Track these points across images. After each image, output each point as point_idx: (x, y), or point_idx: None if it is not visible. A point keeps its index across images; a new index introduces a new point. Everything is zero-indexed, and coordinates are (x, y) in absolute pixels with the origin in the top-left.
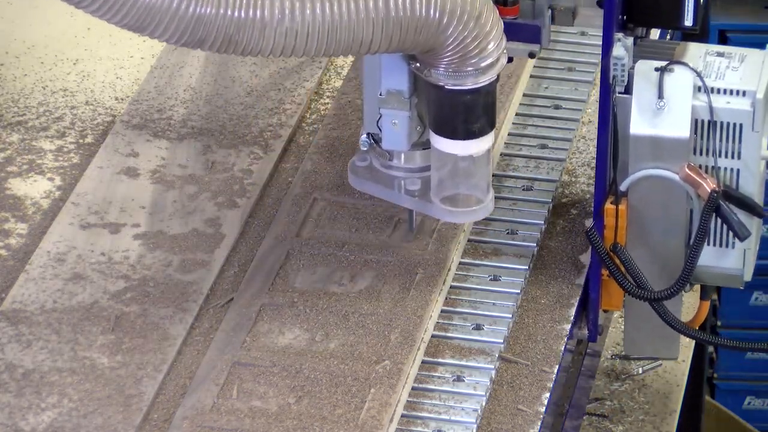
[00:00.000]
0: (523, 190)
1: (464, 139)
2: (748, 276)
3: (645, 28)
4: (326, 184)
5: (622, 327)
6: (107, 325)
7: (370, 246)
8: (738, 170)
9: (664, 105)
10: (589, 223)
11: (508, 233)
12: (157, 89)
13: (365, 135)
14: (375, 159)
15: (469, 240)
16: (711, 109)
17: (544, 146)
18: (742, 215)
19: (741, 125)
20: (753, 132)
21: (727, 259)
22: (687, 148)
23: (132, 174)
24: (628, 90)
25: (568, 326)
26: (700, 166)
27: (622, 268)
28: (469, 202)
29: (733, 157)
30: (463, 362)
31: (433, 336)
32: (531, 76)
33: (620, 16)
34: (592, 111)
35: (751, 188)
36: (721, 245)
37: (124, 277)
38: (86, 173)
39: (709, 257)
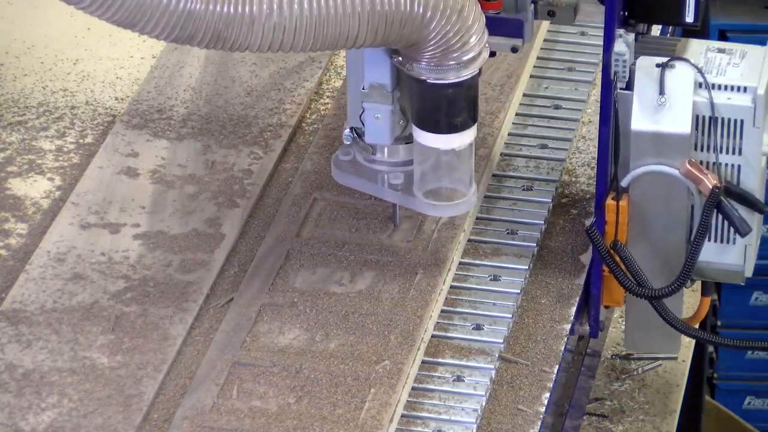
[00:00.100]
0: (523, 190)
1: (447, 133)
2: (749, 272)
3: (646, 24)
4: (326, 184)
5: (623, 327)
6: (107, 325)
7: (370, 246)
8: (739, 166)
9: (666, 101)
10: (589, 222)
11: (508, 233)
12: (157, 89)
13: (348, 129)
14: (358, 153)
15: (469, 240)
16: (712, 105)
17: (544, 146)
18: (743, 211)
19: (742, 121)
20: (754, 128)
21: (728, 255)
22: (688, 144)
23: (132, 174)
24: (629, 86)
25: (568, 326)
26: (701, 162)
27: (623, 266)
28: (451, 196)
29: (734, 153)
30: (463, 362)
31: (433, 336)
32: (531, 76)
33: (621, 13)
34: (592, 111)
35: (752, 184)
36: (722, 241)
37: (124, 277)
38: (86, 173)
39: (710, 253)
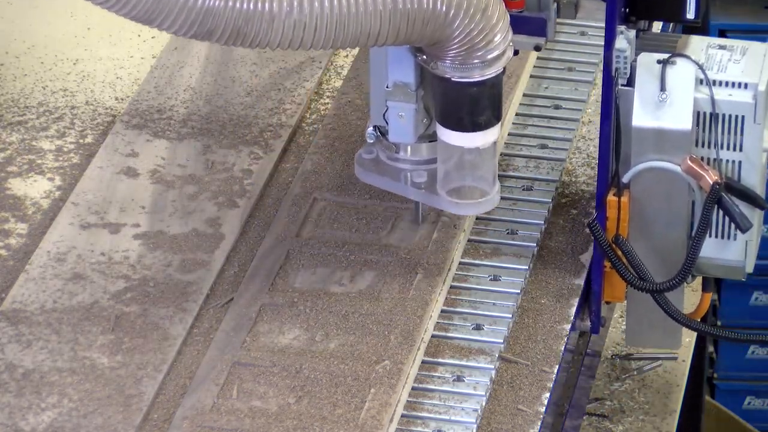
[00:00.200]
0: (523, 190)
1: (471, 131)
2: (749, 267)
3: (647, 20)
4: (326, 184)
5: (623, 327)
6: (107, 325)
7: (370, 246)
8: (740, 162)
9: (667, 97)
10: (590, 218)
11: (508, 233)
12: (157, 89)
13: (372, 127)
14: (381, 151)
15: (469, 240)
16: (713, 102)
17: (544, 146)
18: (743, 207)
19: (743, 117)
20: (755, 124)
21: (728, 251)
22: (689, 140)
23: (132, 174)
24: (630, 82)
25: (568, 326)
26: (702, 158)
27: (624, 260)
28: (475, 195)
29: (734, 149)
30: (463, 362)
31: (433, 336)
32: (531, 76)
33: (623, 9)
34: (592, 111)
35: (752, 180)
36: (722, 237)
37: (124, 277)
38: (86, 173)
39: (711, 249)
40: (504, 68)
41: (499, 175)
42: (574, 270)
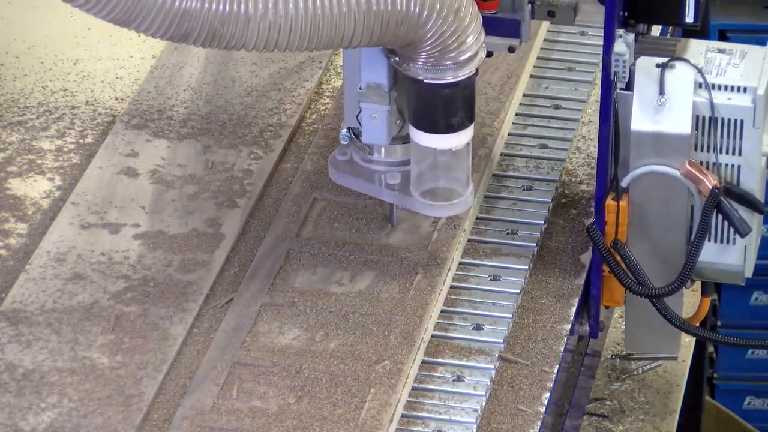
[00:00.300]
0: (523, 190)
1: (444, 133)
2: (748, 272)
3: (646, 24)
4: (326, 184)
5: (623, 327)
6: (107, 325)
7: (370, 246)
8: (739, 166)
9: (665, 101)
10: (589, 221)
11: (508, 233)
12: (157, 89)
13: (345, 129)
14: (355, 153)
15: (469, 240)
16: (712, 106)
17: (544, 146)
18: (743, 211)
19: (742, 121)
20: (754, 128)
21: (727, 256)
22: (688, 145)
23: (132, 174)
24: (629, 86)
25: (568, 326)
26: (701, 163)
27: (623, 265)
28: (449, 196)
29: (734, 154)
30: (463, 362)
31: (433, 336)
32: (531, 76)
33: (621, 13)
34: (592, 111)
35: (752, 184)
36: (721, 241)
37: (124, 277)
38: (86, 173)
39: (710, 253)
40: (477, 70)
41: (499, 175)
42: (574, 270)
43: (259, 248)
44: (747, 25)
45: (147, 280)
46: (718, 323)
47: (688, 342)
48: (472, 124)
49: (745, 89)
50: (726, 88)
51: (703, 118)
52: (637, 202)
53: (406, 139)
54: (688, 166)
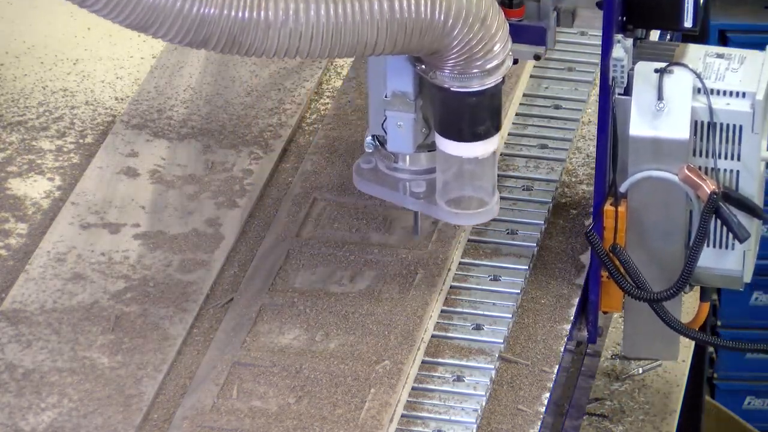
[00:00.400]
0: (523, 190)
1: (470, 141)
2: (747, 277)
3: (644, 29)
4: (326, 184)
5: (622, 327)
6: (107, 325)
7: (370, 246)
8: (738, 172)
9: (664, 106)
10: (588, 223)
11: (508, 233)
12: (157, 89)
13: (370, 137)
14: (380, 161)
15: (469, 240)
16: (711, 111)
17: (544, 146)
18: (741, 217)
19: (741, 127)
20: (753, 133)
21: (726, 261)
22: (686, 150)
23: (132, 174)
24: (627, 91)
25: (568, 326)
26: (700, 168)
27: (622, 270)
28: (474, 205)
29: (732, 159)
30: (463, 362)
31: (433, 336)
32: (531, 76)
33: (620, 18)
34: (592, 111)
35: (750, 190)
36: (720, 247)
37: (124, 277)
38: (86, 173)
39: (709, 258)
40: (504, 78)
41: (499, 175)
42: (573, 270)
43: (259, 248)
44: (747, 25)
45: (147, 280)
46: (718, 323)
47: (688, 342)
48: (498, 133)
49: (743, 94)
50: (725, 93)
51: (702, 123)
52: (636, 208)
53: (431, 147)
54: (686, 172)
